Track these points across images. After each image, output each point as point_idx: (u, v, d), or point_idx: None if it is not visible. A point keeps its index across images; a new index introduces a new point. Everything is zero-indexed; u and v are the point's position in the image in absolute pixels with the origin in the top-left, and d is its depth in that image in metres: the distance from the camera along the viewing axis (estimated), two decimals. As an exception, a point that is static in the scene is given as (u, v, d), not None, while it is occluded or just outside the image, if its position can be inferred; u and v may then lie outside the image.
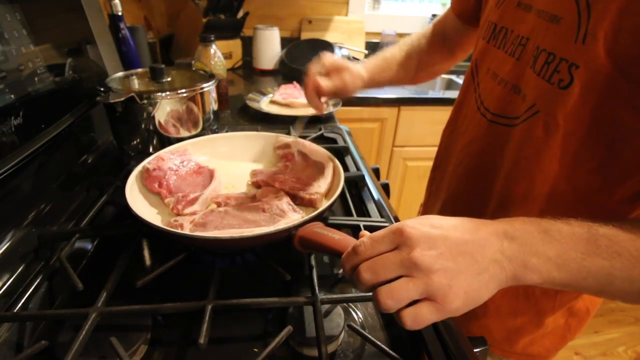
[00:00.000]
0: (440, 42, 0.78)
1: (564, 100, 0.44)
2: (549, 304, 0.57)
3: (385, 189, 0.75)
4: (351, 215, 0.63)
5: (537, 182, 0.50)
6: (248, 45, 1.63)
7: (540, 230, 0.33)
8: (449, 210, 0.68)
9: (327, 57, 0.68)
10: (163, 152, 0.63)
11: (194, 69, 0.91)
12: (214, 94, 0.75)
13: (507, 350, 0.63)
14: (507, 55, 0.53)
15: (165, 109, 0.66)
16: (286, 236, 0.45)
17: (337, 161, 0.61)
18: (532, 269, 0.31)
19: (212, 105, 0.74)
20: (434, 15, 1.82)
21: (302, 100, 1.16)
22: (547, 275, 0.32)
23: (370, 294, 0.32)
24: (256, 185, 0.62)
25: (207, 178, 0.61)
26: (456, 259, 0.30)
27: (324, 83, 0.64)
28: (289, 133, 0.88)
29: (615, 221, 0.34)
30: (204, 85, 0.69)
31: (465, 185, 0.63)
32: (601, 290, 0.34)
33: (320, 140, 0.89)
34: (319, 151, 0.64)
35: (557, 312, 0.58)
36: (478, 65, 0.61)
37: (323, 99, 0.68)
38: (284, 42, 1.64)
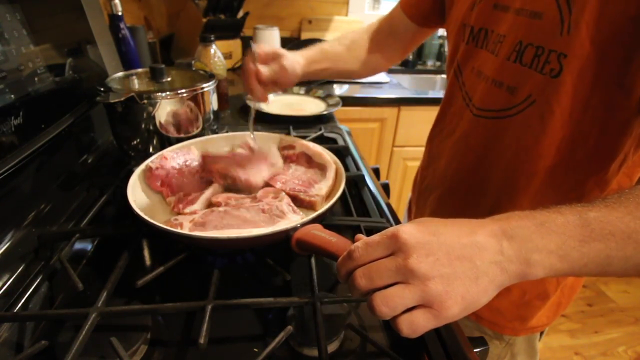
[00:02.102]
0: (385, 40, 0.80)
1: (557, 88, 0.48)
2: (553, 278, 0.59)
3: (385, 189, 0.75)
4: (351, 215, 0.63)
5: (538, 169, 0.53)
6: (248, 45, 1.63)
7: (537, 223, 0.32)
8: (446, 205, 0.69)
9: (261, 47, 0.68)
10: (167, 151, 0.63)
11: (194, 69, 0.92)
12: (214, 94, 0.75)
13: (518, 329, 0.65)
14: (489, 53, 0.57)
15: (165, 109, 0.66)
16: (285, 237, 0.45)
17: (340, 164, 0.61)
18: (535, 265, 0.31)
19: (212, 105, 0.74)
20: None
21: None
22: (550, 268, 0.32)
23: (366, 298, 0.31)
24: (257, 185, 0.62)
25: (209, 178, 0.61)
26: (453, 264, 0.30)
27: (263, 69, 0.65)
28: (289, 133, 0.88)
29: (600, 201, 0.34)
30: (204, 85, 0.69)
31: (459, 181, 0.65)
32: (601, 272, 0.34)
33: (320, 140, 0.89)
34: (322, 154, 0.64)
35: (560, 285, 0.60)
36: (461, 67, 0.64)
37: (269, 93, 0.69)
38: (284, 42, 1.64)
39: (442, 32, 1.84)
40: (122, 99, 0.60)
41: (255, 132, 0.72)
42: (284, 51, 0.70)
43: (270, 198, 0.55)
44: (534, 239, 0.31)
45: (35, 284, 0.47)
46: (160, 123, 0.66)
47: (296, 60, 0.71)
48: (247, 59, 0.66)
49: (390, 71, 1.79)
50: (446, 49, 1.89)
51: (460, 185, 0.65)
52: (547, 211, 0.34)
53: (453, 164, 0.66)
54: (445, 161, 0.68)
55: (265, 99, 0.68)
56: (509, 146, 0.55)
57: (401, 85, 1.57)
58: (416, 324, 0.29)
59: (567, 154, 0.51)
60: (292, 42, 1.60)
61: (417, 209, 0.82)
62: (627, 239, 0.32)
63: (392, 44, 0.81)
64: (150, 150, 0.68)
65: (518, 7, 0.52)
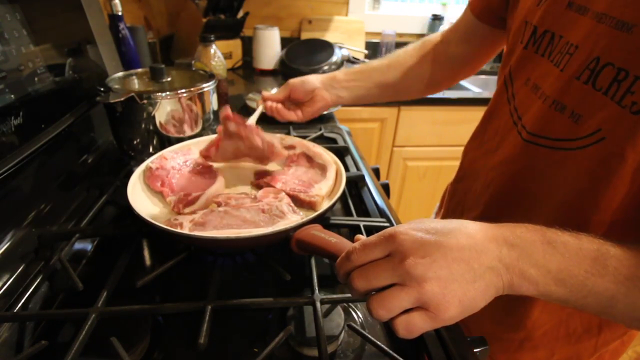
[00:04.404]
0: (454, 48, 0.70)
1: (635, 128, 0.36)
2: (590, 344, 0.53)
3: (385, 189, 0.75)
4: (351, 215, 0.63)
5: (592, 222, 0.43)
6: (248, 45, 1.63)
7: (544, 240, 0.31)
8: None
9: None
10: (166, 151, 0.63)
11: (194, 69, 0.91)
12: (214, 94, 0.75)
13: None
14: (552, 65, 0.45)
15: (165, 109, 0.66)
16: (285, 237, 0.45)
17: (340, 165, 0.61)
18: (529, 280, 0.30)
19: (212, 105, 0.74)
20: (434, 15, 1.82)
21: None
22: (545, 288, 0.31)
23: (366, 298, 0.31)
24: (258, 185, 0.62)
25: (210, 178, 0.61)
26: (451, 267, 0.29)
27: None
28: (289, 133, 0.88)
29: (630, 243, 0.32)
30: (204, 85, 0.69)
31: (496, 209, 0.55)
32: (601, 311, 0.33)
33: (320, 140, 0.89)
34: (323, 154, 0.64)
35: (599, 351, 0.54)
36: (513, 75, 0.52)
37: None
38: (284, 42, 1.64)
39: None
40: (122, 99, 0.60)
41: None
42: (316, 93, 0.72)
43: (271, 198, 0.55)
44: (535, 254, 0.31)
45: (35, 284, 0.47)
46: (160, 123, 0.67)
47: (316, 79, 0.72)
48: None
49: (390, 71, 1.79)
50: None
51: (495, 214, 0.56)
52: (562, 232, 0.32)
53: (490, 189, 0.56)
54: (482, 183, 0.58)
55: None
56: (561, 187, 0.45)
57: (401, 85, 1.56)
58: (412, 326, 0.29)
59: (631, 210, 0.40)
60: (292, 42, 1.60)
61: None
62: None
63: (462, 52, 0.69)
64: (150, 150, 0.68)
65: (600, 11, 0.40)
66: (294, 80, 0.72)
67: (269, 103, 0.73)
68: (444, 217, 0.73)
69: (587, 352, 0.54)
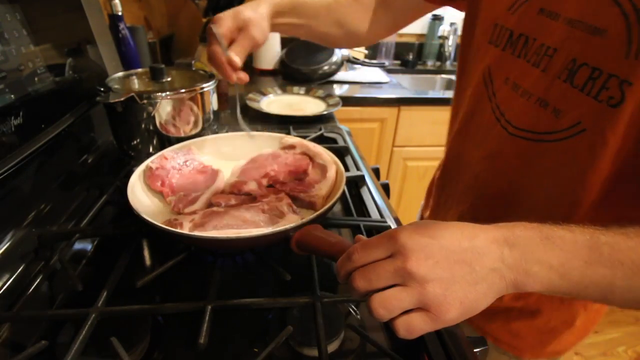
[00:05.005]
0: (375, 9, 0.70)
1: (614, 119, 0.40)
2: (581, 303, 0.57)
3: (385, 189, 0.75)
4: (351, 215, 0.63)
5: (582, 205, 0.46)
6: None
7: (542, 237, 0.32)
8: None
9: (222, 25, 0.58)
10: (167, 151, 0.63)
11: (194, 69, 0.92)
12: (214, 94, 0.75)
13: (539, 352, 0.61)
14: (529, 65, 0.49)
15: (165, 109, 0.66)
16: (285, 237, 0.45)
17: (340, 165, 0.61)
18: (533, 277, 0.31)
19: (212, 105, 0.74)
20: (434, 16, 1.82)
21: None
22: (549, 283, 0.31)
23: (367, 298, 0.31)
24: (258, 185, 0.62)
25: (210, 177, 0.61)
26: (452, 268, 0.30)
27: (236, 56, 0.57)
28: (289, 133, 0.88)
29: (617, 228, 0.33)
30: (204, 85, 0.69)
31: (485, 201, 0.58)
32: (601, 298, 0.33)
33: (320, 140, 0.89)
34: (323, 154, 0.64)
35: (587, 310, 0.57)
36: (492, 74, 0.56)
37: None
38: (284, 42, 1.64)
39: (442, 32, 1.84)
40: (122, 99, 0.60)
41: (255, 132, 0.72)
42: (246, 15, 0.59)
43: (270, 198, 0.55)
44: (537, 251, 0.31)
45: (35, 284, 0.47)
46: (160, 123, 0.67)
47: (263, 19, 0.61)
48: (214, 48, 0.57)
49: (390, 71, 1.79)
50: (447, 48, 1.89)
51: (483, 207, 0.59)
52: (556, 226, 0.33)
53: (478, 183, 0.59)
54: (469, 177, 0.61)
55: (246, 79, 0.60)
56: (547, 175, 0.49)
57: (401, 85, 1.57)
58: (413, 326, 0.30)
59: (612, 188, 0.44)
60: (292, 42, 1.60)
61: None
62: (637, 270, 0.31)
63: (382, 16, 0.70)
64: (150, 150, 0.68)
65: (573, 18, 0.43)
66: (260, 37, 0.61)
67: (242, 74, 0.60)
68: (433, 212, 0.74)
69: (579, 312, 0.57)
